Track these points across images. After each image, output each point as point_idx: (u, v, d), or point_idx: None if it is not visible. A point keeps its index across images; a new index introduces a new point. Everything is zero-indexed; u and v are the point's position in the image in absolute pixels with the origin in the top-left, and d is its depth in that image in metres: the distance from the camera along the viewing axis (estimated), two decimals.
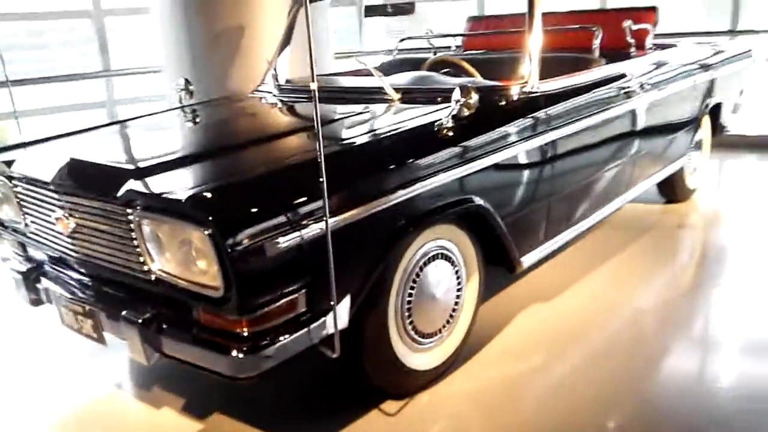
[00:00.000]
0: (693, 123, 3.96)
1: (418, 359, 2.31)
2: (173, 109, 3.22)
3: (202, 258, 1.75)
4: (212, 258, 1.68)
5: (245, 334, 1.79)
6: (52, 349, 2.87)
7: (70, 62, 5.49)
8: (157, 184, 1.90)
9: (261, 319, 1.80)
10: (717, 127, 4.45)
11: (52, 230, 2.24)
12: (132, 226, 1.89)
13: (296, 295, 1.84)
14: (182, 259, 1.80)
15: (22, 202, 2.38)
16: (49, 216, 2.19)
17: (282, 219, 1.74)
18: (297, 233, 1.76)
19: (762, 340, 2.64)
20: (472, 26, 4.67)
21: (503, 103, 2.57)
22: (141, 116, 3.14)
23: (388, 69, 3.65)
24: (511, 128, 2.48)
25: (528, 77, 2.64)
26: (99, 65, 5.39)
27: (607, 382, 2.38)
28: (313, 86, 1.69)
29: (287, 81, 3.36)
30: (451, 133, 2.26)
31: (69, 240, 2.16)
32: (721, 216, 4.15)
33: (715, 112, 4.30)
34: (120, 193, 1.89)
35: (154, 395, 2.47)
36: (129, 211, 1.88)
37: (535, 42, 2.67)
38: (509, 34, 4.15)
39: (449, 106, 2.29)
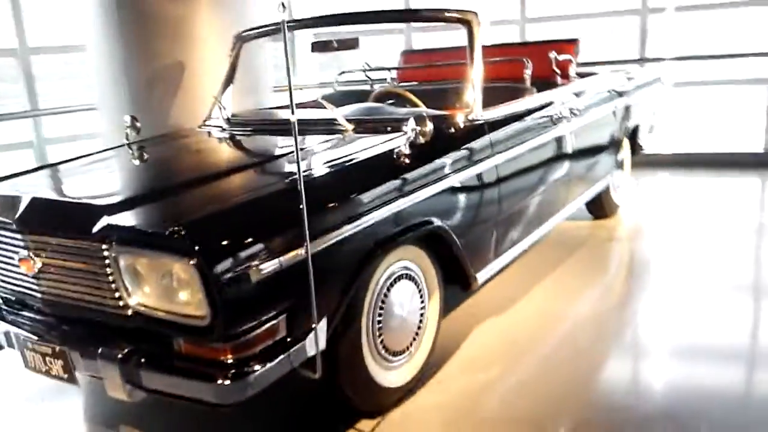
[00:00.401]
0: (616, 144, 4.28)
1: (390, 377, 2.40)
2: (121, 146, 3.21)
3: (185, 288, 1.79)
4: (198, 288, 1.72)
5: (230, 361, 1.83)
6: (18, 394, 2.77)
7: None
8: (133, 218, 1.93)
9: (245, 346, 1.84)
10: (635, 147, 4.81)
11: (13, 272, 2.20)
12: (107, 261, 1.90)
13: (277, 320, 1.90)
14: (163, 291, 1.83)
15: None
16: (11, 257, 2.16)
17: (262, 246, 1.81)
18: (277, 259, 1.83)
19: (687, 344, 2.88)
20: (406, 59, 4.89)
21: (452, 130, 2.73)
22: (89, 154, 3.11)
23: (330, 101, 3.77)
24: (462, 153, 2.64)
25: (472, 106, 2.82)
26: (26, 104, 5.25)
27: (556, 386, 2.55)
28: (293, 118, 1.79)
29: (233, 115, 3.42)
30: (408, 160, 2.40)
31: (33, 280, 2.14)
32: (645, 229, 4.47)
33: (634, 133, 4.65)
34: (95, 229, 1.90)
35: None
36: (104, 246, 1.89)
37: (477, 73, 2.86)
38: (441, 66, 4.40)
39: (404, 135, 2.43)
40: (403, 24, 6.37)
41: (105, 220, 1.91)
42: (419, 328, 2.55)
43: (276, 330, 1.91)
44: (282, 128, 3.06)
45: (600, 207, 4.49)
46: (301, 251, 1.87)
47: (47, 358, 2.14)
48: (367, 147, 2.48)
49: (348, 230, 2.07)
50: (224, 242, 1.75)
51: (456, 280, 2.75)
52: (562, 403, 2.44)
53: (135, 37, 4.09)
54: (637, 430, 2.27)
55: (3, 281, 2.28)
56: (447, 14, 2.96)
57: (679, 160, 6.19)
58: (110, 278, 1.92)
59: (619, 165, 4.57)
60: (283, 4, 1.69)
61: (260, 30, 3.68)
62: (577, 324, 3.08)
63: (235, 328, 1.80)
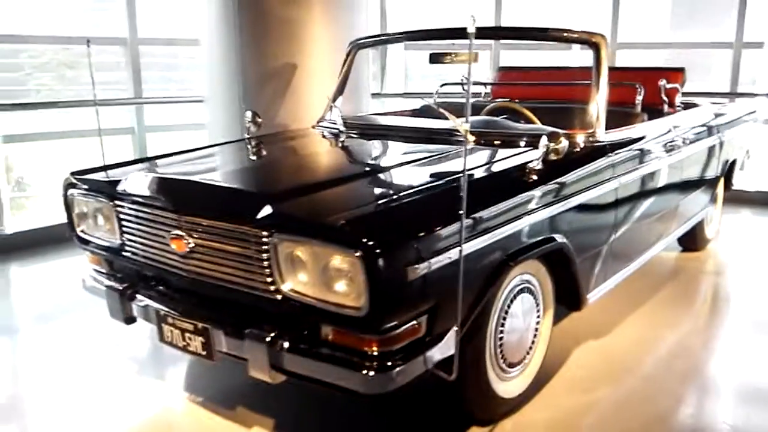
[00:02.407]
0: (715, 177, 4.23)
1: (505, 387, 2.44)
2: (242, 139, 3.34)
3: (344, 279, 1.86)
4: (360, 280, 1.79)
5: (375, 353, 1.90)
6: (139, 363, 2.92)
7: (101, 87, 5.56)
8: (298, 209, 2.02)
9: (391, 341, 1.91)
10: (728, 183, 4.74)
11: (161, 249, 2.32)
12: (265, 247, 1.99)
13: (420, 320, 1.97)
14: (321, 280, 1.91)
15: (123, 222, 2.46)
16: (162, 236, 2.28)
17: (420, 247, 1.87)
18: (430, 260, 1.89)
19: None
20: (501, 76, 4.93)
21: (576, 149, 2.76)
22: (211, 145, 3.26)
23: (428, 113, 3.85)
24: (587, 173, 2.67)
25: (596, 127, 2.85)
26: (130, 92, 5.48)
27: (650, 409, 2.57)
28: (466, 126, 1.84)
29: (346, 119, 3.51)
30: (539, 176, 2.43)
31: (182, 259, 2.25)
32: (732, 264, 4.40)
33: (730, 168, 4.59)
34: (259, 216, 1.99)
35: (240, 414, 2.53)
36: (265, 233, 1.98)
37: (602, 95, 2.88)
38: (542, 85, 4.43)
39: (530, 150, 2.48)
40: (491, 41, 6.46)
41: (269, 209, 2.00)
42: (533, 342, 2.58)
43: (419, 329, 1.97)
44: (399, 134, 3.14)
45: (692, 240, 4.43)
46: (450, 254, 1.93)
47: (187, 334, 2.25)
48: (498, 159, 2.54)
49: (488, 239, 2.12)
50: (389, 239, 1.82)
51: (565, 300, 2.77)
52: (660, 424, 2.46)
53: (252, 36, 4.25)
54: None
55: (147, 257, 2.40)
56: (576, 35, 2.99)
57: (761, 199, 6.06)
58: (265, 263, 2.01)
59: (714, 199, 4.52)
60: (473, 17, 1.76)
61: (375, 38, 3.79)
62: (671, 352, 3.08)
63: (387, 322, 1.86)
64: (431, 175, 2.37)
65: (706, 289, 4.01)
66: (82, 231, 2.71)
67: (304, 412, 2.56)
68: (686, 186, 3.74)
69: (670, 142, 3.41)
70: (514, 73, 4.95)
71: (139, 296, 2.45)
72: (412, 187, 2.19)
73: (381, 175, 2.41)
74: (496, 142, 2.83)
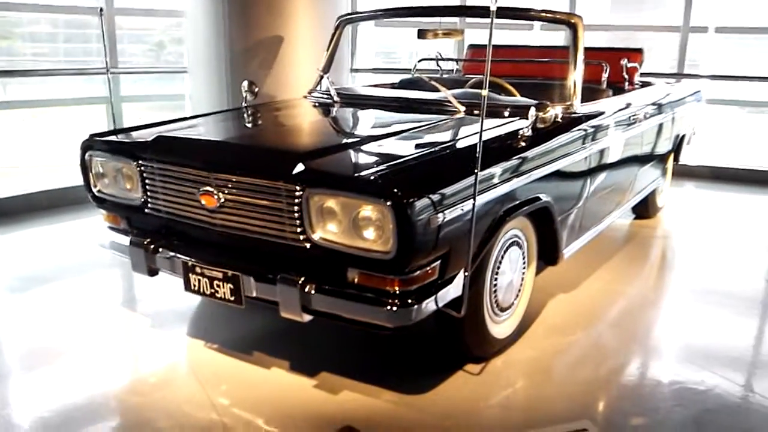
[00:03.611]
0: (668, 151, 4.65)
1: (497, 328, 2.75)
2: (239, 108, 3.52)
3: (373, 227, 2.12)
4: (390, 226, 2.05)
5: (397, 292, 2.17)
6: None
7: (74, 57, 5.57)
8: (328, 165, 2.26)
9: (410, 282, 2.19)
10: (677, 156, 5.18)
11: (191, 205, 2.51)
12: (297, 200, 2.22)
13: (435, 264, 2.25)
14: (352, 228, 2.15)
15: (147, 180, 2.63)
16: (192, 192, 2.47)
17: (439, 198, 2.15)
18: (445, 212, 2.17)
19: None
20: (472, 53, 5.22)
21: (557, 120, 3.06)
22: (218, 112, 3.44)
23: (408, 86, 4.11)
24: (567, 140, 2.99)
25: (573, 100, 3.17)
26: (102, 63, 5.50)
27: (621, 346, 2.98)
28: (484, 93, 2.11)
29: (339, 89, 3.73)
30: (528, 143, 2.73)
31: (211, 213, 2.45)
32: (680, 230, 4.86)
33: (680, 142, 5.03)
34: (294, 172, 2.22)
35: (257, 357, 2.76)
36: (298, 187, 2.21)
37: (579, 71, 3.20)
38: (511, 62, 4.74)
39: (518, 120, 2.77)
40: (456, 18, 6.74)
41: (302, 166, 2.23)
42: (520, 290, 2.91)
43: (433, 272, 2.25)
44: (391, 105, 3.38)
45: (645, 208, 4.85)
46: (463, 206, 2.21)
47: (215, 282, 2.46)
48: (493, 127, 2.82)
49: (490, 196, 2.41)
50: (414, 191, 2.08)
51: (544, 255, 3.09)
52: (629, 357, 2.87)
53: (238, 9, 4.38)
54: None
55: (173, 213, 2.58)
56: (555, 15, 3.30)
57: (703, 173, 6.58)
58: (296, 215, 2.24)
59: (665, 171, 4.95)
60: None
61: (363, 14, 4.00)
62: (632, 302, 3.50)
63: (411, 264, 2.13)
64: (437, 140, 2.64)
65: (657, 251, 4.44)
66: (99, 191, 2.86)
67: (315, 354, 2.81)
68: (644, 157, 4.12)
69: (633, 116, 3.78)
70: (484, 50, 5.24)
71: (162, 249, 2.64)
72: (423, 149, 2.45)
73: (391, 139, 2.66)
74: (476, 112, 3.11)
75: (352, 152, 2.44)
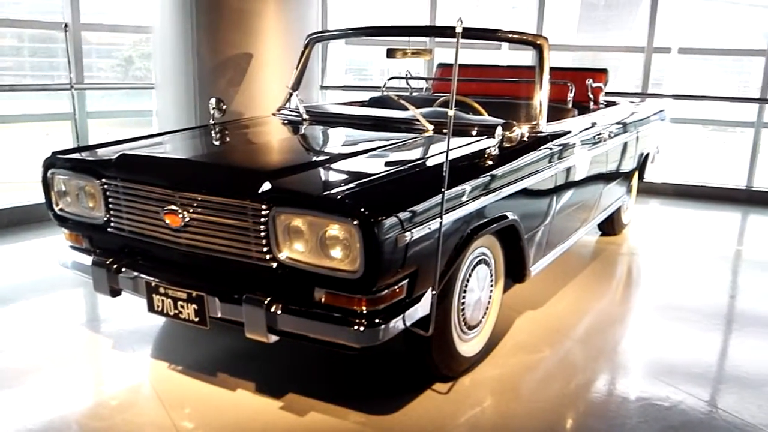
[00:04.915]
0: (633, 169, 4.74)
1: (465, 347, 2.75)
2: (206, 125, 3.50)
3: (340, 246, 2.11)
4: (357, 246, 2.04)
5: (364, 311, 2.16)
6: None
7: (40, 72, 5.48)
8: (295, 184, 2.24)
9: (377, 301, 2.18)
10: (642, 174, 5.28)
11: (154, 224, 2.47)
12: (263, 219, 2.20)
13: (402, 283, 2.24)
14: (318, 247, 2.14)
15: (111, 199, 2.59)
16: (156, 211, 2.44)
17: (406, 217, 2.14)
18: (415, 229, 2.17)
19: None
20: (441, 72, 5.27)
21: (524, 139, 3.10)
22: (185, 129, 3.40)
23: (379, 104, 4.13)
24: (534, 159, 3.02)
25: (539, 119, 3.21)
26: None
27: (588, 362, 3.00)
28: (450, 112, 2.12)
29: (307, 107, 3.73)
30: (495, 161, 2.75)
31: (174, 233, 2.42)
32: (646, 246, 4.94)
33: (644, 161, 5.12)
34: (261, 190, 2.20)
35: (223, 379, 2.72)
36: (264, 206, 2.19)
37: (545, 91, 3.24)
38: (478, 82, 4.80)
39: (485, 138, 2.80)
40: (426, 38, 6.81)
41: (268, 185, 2.21)
42: (487, 308, 2.91)
43: (400, 291, 2.25)
44: (360, 123, 3.39)
45: (611, 225, 4.93)
46: (430, 225, 2.22)
47: (179, 303, 2.42)
48: (460, 146, 2.84)
49: (458, 214, 2.42)
50: (381, 210, 2.07)
51: (511, 272, 3.11)
52: (596, 374, 2.89)
53: (207, 26, 4.36)
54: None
55: (136, 232, 2.54)
56: (522, 37, 3.35)
57: (667, 190, 6.72)
58: (262, 234, 2.22)
59: (630, 189, 5.03)
60: (461, 19, 2.03)
61: (332, 33, 4.02)
62: (598, 319, 3.53)
63: (378, 283, 2.12)
64: (405, 158, 2.65)
65: (623, 267, 4.50)
66: (61, 209, 2.80)
67: (281, 375, 2.78)
68: (609, 175, 4.19)
69: (598, 135, 3.84)
70: (450, 69, 5.29)
71: (125, 269, 2.59)
72: (391, 168, 2.46)
73: (360, 158, 2.66)
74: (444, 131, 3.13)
75: (319, 171, 2.43)
